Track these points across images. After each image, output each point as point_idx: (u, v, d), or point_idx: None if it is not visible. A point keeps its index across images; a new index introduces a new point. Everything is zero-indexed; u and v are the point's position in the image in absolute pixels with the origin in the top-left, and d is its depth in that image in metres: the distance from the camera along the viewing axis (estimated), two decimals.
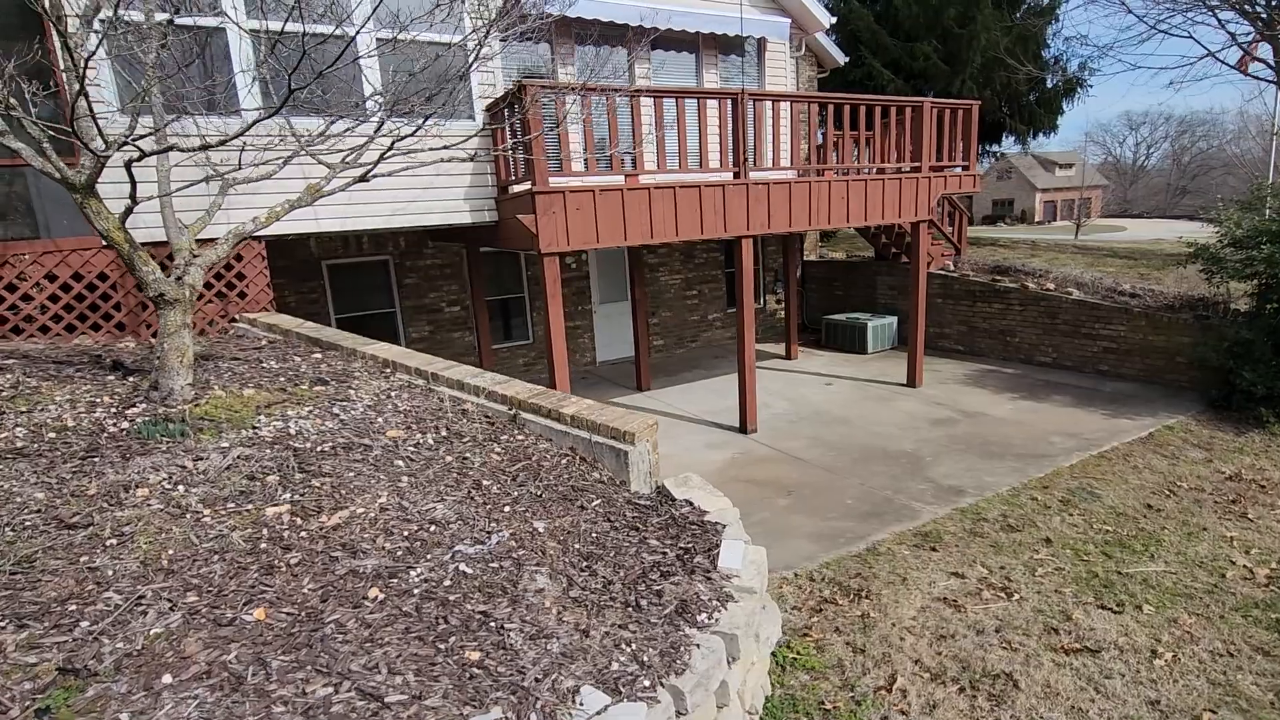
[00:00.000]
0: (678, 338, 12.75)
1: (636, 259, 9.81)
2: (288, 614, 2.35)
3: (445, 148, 5.17)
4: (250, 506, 2.97)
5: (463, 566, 2.77)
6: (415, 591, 2.56)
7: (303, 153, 4.57)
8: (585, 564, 2.93)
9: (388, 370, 4.96)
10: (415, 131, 5.01)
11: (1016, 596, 4.38)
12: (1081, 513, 5.51)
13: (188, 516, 2.84)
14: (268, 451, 3.48)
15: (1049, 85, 15.07)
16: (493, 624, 2.44)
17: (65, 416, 3.50)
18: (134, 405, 3.75)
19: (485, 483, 3.56)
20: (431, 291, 10.25)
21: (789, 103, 7.61)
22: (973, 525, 5.36)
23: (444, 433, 4.07)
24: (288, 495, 3.11)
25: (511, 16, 7.60)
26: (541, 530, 3.16)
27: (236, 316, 6.07)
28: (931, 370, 10.17)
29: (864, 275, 12.71)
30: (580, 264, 11.47)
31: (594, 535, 3.18)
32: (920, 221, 8.82)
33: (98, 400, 3.74)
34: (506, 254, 10.62)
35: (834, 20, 11.08)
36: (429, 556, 2.81)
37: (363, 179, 4.34)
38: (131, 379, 4.14)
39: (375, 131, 4.48)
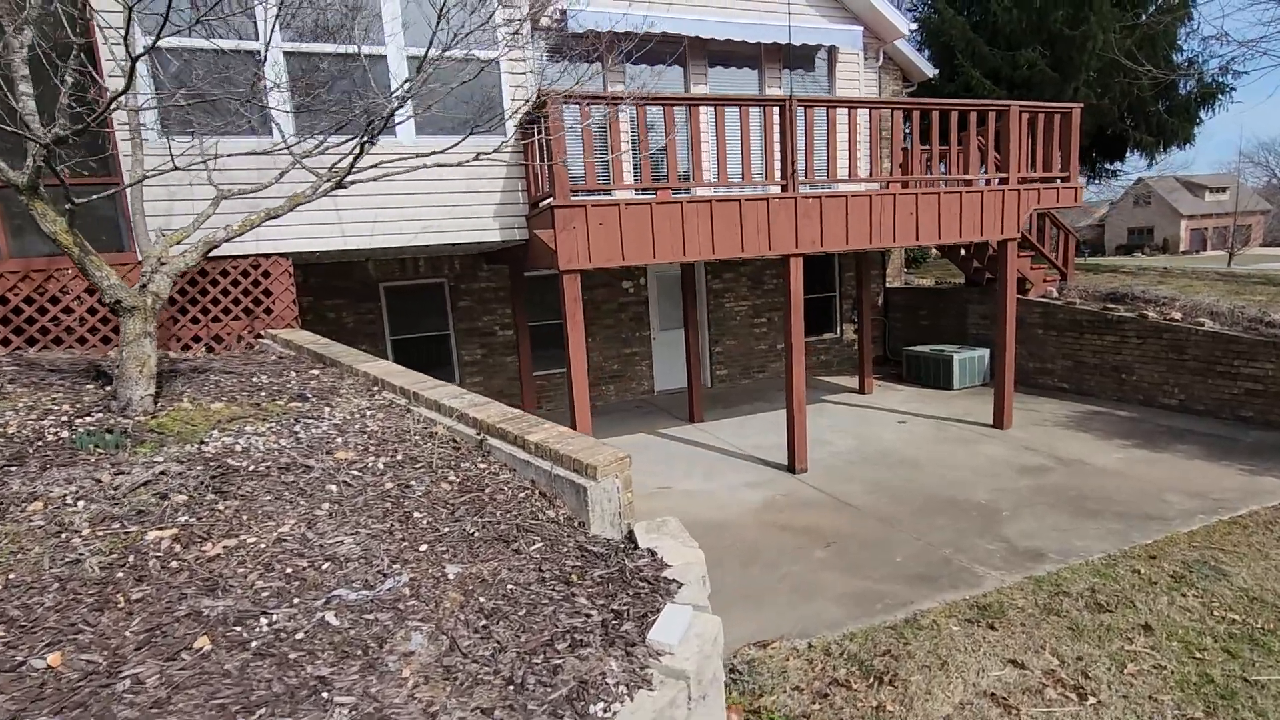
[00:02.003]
0: (743, 367, 12.02)
1: (690, 283, 9.29)
2: (88, 661, 1.99)
3: (458, 164, 4.95)
4: (136, 529, 2.70)
5: (330, 616, 2.33)
6: (254, 645, 2.14)
7: (300, 165, 4.46)
8: (484, 623, 2.42)
9: (375, 388, 4.71)
10: (448, 149, 4.85)
11: (1094, 700, 3.40)
12: (1200, 594, 4.35)
13: (61, 536, 2.59)
14: (196, 469, 3.24)
15: (1181, 91, 13.27)
16: (323, 695, 1.97)
17: (13, 423, 3.43)
18: (89, 415, 3.65)
19: (417, 515, 3.14)
20: (485, 315, 10.19)
21: (847, 109, 6.92)
22: (1048, 599, 4.36)
23: (399, 457, 3.70)
24: (185, 518, 2.82)
25: (552, 35, 7.43)
26: (451, 577, 2.68)
27: (261, 333, 6.10)
28: (1027, 410, 8.89)
29: (953, 303, 11.50)
30: (639, 288, 11.09)
31: (512, 587, 2.66)
32: (1007, 240, 7.75)
33: (55, 408, 3.68)
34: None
35: (914, 27, 10.24)
36: (298, 600, 2.40)
37: (339, 185, 4.14)
38: (107, 388, 4.09)
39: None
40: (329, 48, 5.85)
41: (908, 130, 11.26)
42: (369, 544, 2.84)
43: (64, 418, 3.58)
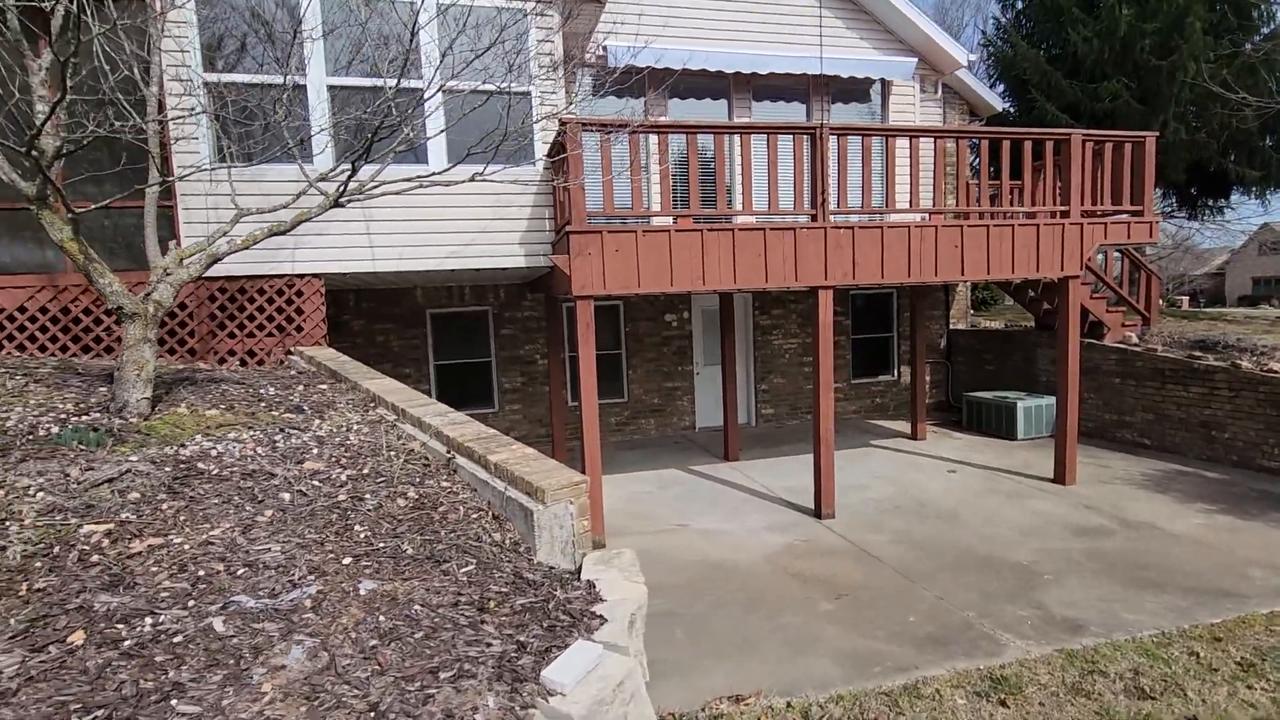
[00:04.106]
0: (791, 407, 11.57)
1: (729, 318, 9.07)
2: None
3: (487, 191, 5.04)
4: (76, 521, 2.76)
5: (217, 623, 2.27)
6: (126, 644, 2.10)
7: (312, 189, 4.66)
8: (374, 643, 2.29)
9: (370, 404, 4.76)
10: (475, 176, 4.98)
11: None
12: (1271, 688, 3.69)
13: (3, 524, 2.67)
14: (164, 470, 3.32)
15: None
16: (171, 703, 1.89)
17: (14, 417, 3.65)
18: (88, 414, 3.84)
19: (358, 529, 3.08)
20: (527, 343, 10.30)
21: (883, 137, 6.63)
22: (1079, 678, 3.80)
23: (365, 470, 3.68)
24: (127, 515, 2.87)
25: (595, 70, 7.58)
26: (362, 593, 2.58)
27: (291, 349, 6.35)
28: (1097, 465, 8.05)
29: (1020, 347, 10.69)
30: (682, 322, 10.95)
31: (419, 609, 2.52)
32: (1069, 277, 7.14)
33: (60, 406, 3.90)
34: (604, 307, 10.44)
35: (974, 58, 9.80)
36: (194, 603, 2.35)
37: (335, 204, 4.27)
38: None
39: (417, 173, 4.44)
40: (368, 82, 6.16)
41: (974, 161, 10.76)
42: (295, 553, 2.79)
43: (63, 415, 3.78)
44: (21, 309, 5.73)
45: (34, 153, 3.07)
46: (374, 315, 9.69)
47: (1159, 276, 10.05)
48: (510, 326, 10.21)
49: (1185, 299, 35.29)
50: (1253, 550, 5.47)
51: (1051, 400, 9.68)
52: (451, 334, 10.08)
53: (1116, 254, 9.98)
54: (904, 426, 10.72)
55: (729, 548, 6.02)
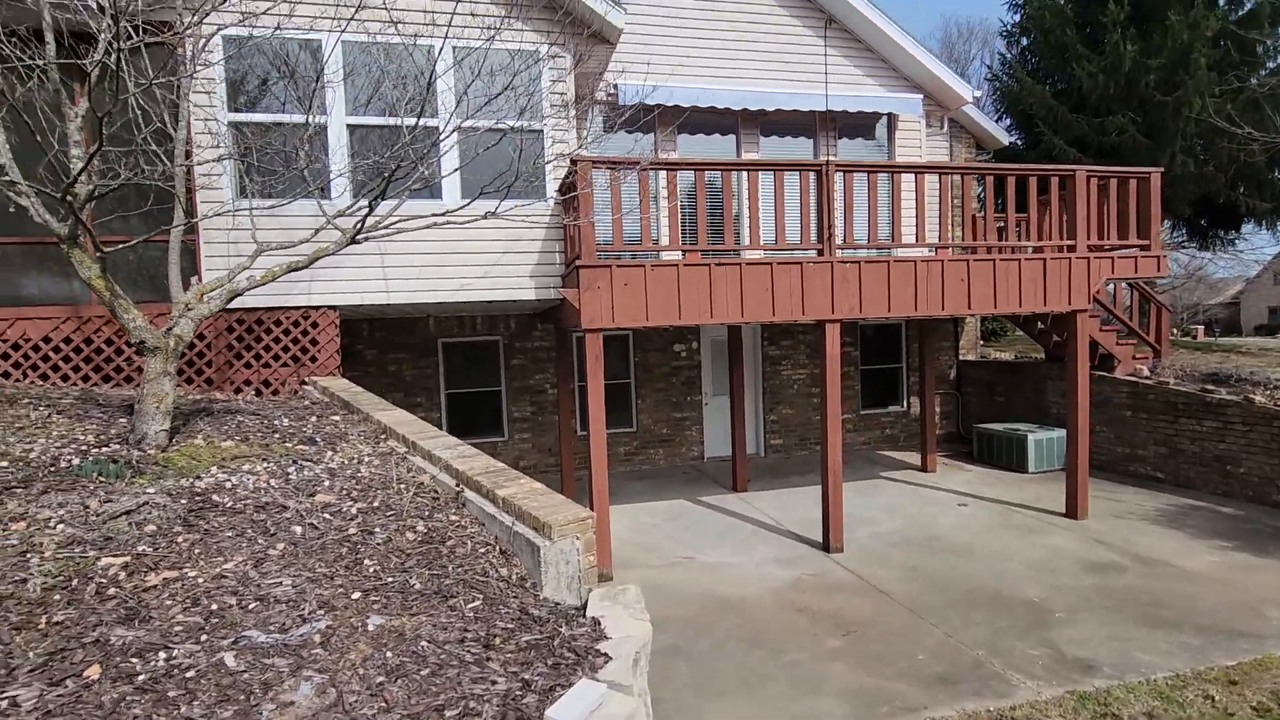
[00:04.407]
0: (800, 438, 11.55)
1: (737, 348, 9.12)
2: None
3: (499, 225, 5.18)
4: (94, 554, 2.83)
5: (229, 657, 2.32)
6: (140, 678, 2.15)
7: (329, 224, 4.80)
8: (380, 680, 2.33)
9: (382, 436, 4.83)
10: (489, 214, 5.12)
11: None
12: None
13: (25, 555, 2.75)
14: (180, 502, 3.39)
15: None
16: None
17: (36, 449, 3.75)
18: (108, 445, 3.94)
19: (367, 563, 3.13)
20: (537, 373, 10.39)
21: (889, 174, 6.74)
22: None
23: (376, 503, 3.74)
24: (144, 547, 2.93)
25: (605, 108, 7.79)
26: (370, 628, 2.62)
27: (306, 380, 6.47)
28: (1110, 499, 7.97)
29: (1031, 379, 10.66)
30: (691, 352, 11.02)
31: (426, 645, 2.56)
32: (1076, 311, 7.16)
33: (82, 438, 4.00)
34: (614, 336, 10.54)
35: (979, 94, 9.96)
36: (207, 638, 2.41)
37: (352, 241, 4.41)
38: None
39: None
40: (386, 121, 6.36)
41: (980, 193, 10.85)
42: (306, 587, 2.84)
43: (84, 447, 3.88)
44: (46, 339, 5.89)
45: (68, 198, 3.22)
46: (387, 345, 9.83)
47: (1169, 309, 10.03)
48: (520, 356, 10.32)
49: (1200, 328, 35.01)
50: (1269, 589, 5.39)
51: (1063, 433, 9.62)
52: (463, 363, 10.20)
53: (1126, 286, 9.99)
54: (914, 458, 10.67)
55: (736, 582, 6.00)
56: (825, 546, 6.69)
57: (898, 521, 7.55)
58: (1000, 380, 11.33)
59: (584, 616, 3.00)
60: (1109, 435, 9.26)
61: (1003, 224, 8.61)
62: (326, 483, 3.95)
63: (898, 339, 11.97)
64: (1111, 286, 9.78)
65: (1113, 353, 9.29)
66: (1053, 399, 10.20)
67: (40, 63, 3.13)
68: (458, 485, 3.89)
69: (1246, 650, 4.47)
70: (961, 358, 12.25)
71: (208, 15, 4.06)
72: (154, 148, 4.00)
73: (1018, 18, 14.43)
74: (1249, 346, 13.45)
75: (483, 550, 3.40)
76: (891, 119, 9.78)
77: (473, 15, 5.44)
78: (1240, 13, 12.62)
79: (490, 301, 7.02)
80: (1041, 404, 10.42)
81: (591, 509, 6.19)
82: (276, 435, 4.65)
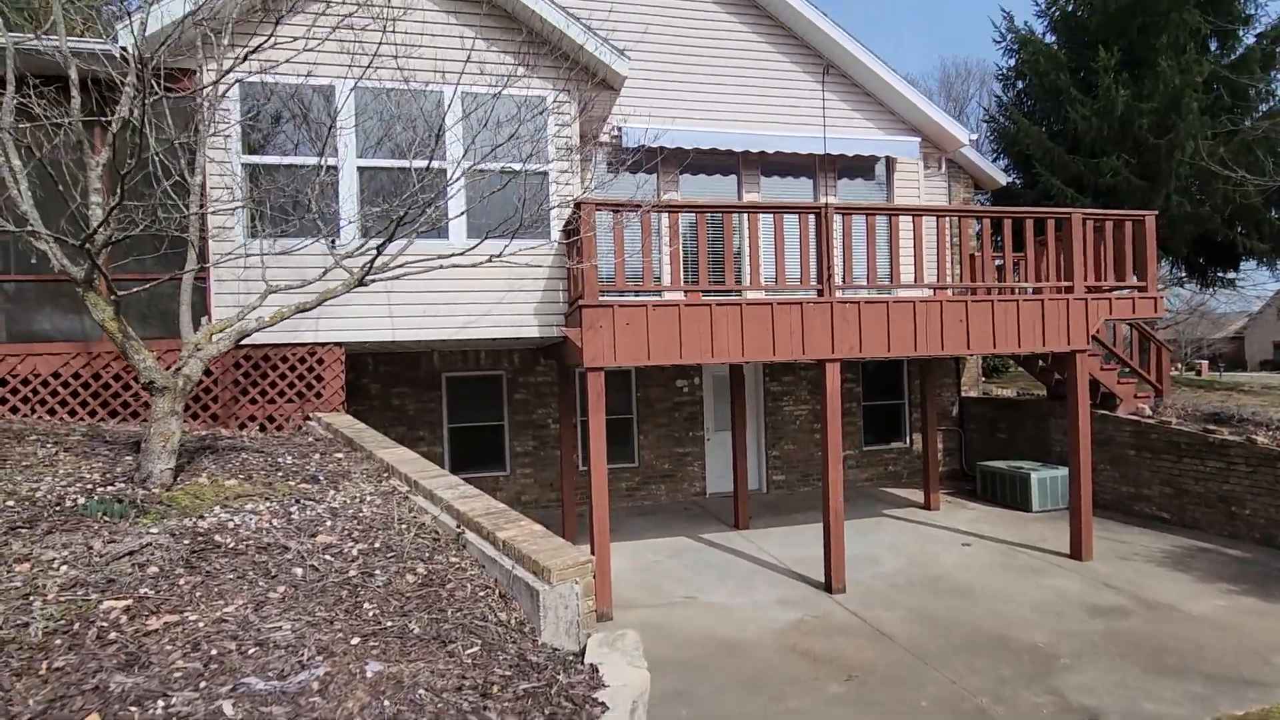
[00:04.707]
0: (802, 473, 11.51)
1: (739, 384, 9.17)
2: None
3: (504, 264, 5.29)
4: (97, 596, 2.85)
5: (227, 706, 2.32)
6: None
7: (334, 263, 4.91)
8: None
9: (384, 475, 4.86)
10: (494, 257, 5.24)
11: None
12: None
13: (28, 598, 2.77)
14: (183, 542, 3.42)
15: None
16: None
17: (43, 487, 3.79)
18: (113, 484, 3.97)
19: (367, 606, 3.14)
20: (540, 408, 10.43)
21: (888, 216, 6.86)
22: None
23: (377, 544, 3.75)
24: (146, 590, 2.95)
25: (609, 149, 7.98)
26: (369, 675, 2.62)
27: (310, 415, 6.52)
28: (1114, 540, 7.90)
29: (1033, 417, 10.65)
30: (693, 388, 11.06)
31: (423, 693, 2.56)
32: (1075, 351, 7.21)
33: (87, 476, 4.04)
34: (616, 372, 10.59)
35: (974, 137, 10.16)
36: (205, 685, 2.41)
37: (360, 283, 4.50)
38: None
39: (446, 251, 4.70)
40: (396, 163, 6.53)
41: (978, 230, 10.98)
42: (305, 632, 2.85)
43: (89, 486, 3.92)
44: (56, 374, 5.97)
45: (86, 246, 3.32)
46: (391, 379, 9.90)
47: (1169, 348, 10.07)
48: (524, 391, 10.36)
49: (1205, 363, 34.93)
50: (1277, 635, 5.32)
51: (1066, 471, 9.58)
52: (466, 397, 10.24)
53: (1126, 325, 10.05)
54: (917, 495, 10.61)
55: (737, 623, 5.95)
56: (827, 587, 6.64)
57: (900, 561, 7.49)
58: (1003, 417, 11.32)
59: (582, 663, 3.00)
60: (1113, 475, 9.22)
61: (1000, 262, 8.73)
62: (328, 523, 3.97)
63: (899, 375, 12.00)
64: (1111, 325, 9.84)
65: (1114, 391, 9.30)
66: (1055, 437, 10.18)
67: (66, 120, 3.26)
68: (459, 526, 3.91)
69: (1254, 700, 4.40)
70: (964, 394, 12.26)
71: (228, 73, 4.22)
72: (172, 199, 4.13)
73: (1013, 62, 14.79)
74: (1251, 384, 13.44)
75: (482, 594, 3.41)
76: (890, 161, 9.97)
77: (481, 71, 5.62)
78: (1231, 57, 12.93)
79: (495, 339, 7.10)
80: (1044, 442, 10.40)
81: (592, 548, 6.17)
82: (280, 473, 4.68)
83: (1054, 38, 14.40)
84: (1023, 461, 10.27)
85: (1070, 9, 14.03)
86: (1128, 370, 9.82)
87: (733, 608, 6.30)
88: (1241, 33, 12.97)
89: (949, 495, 10.64)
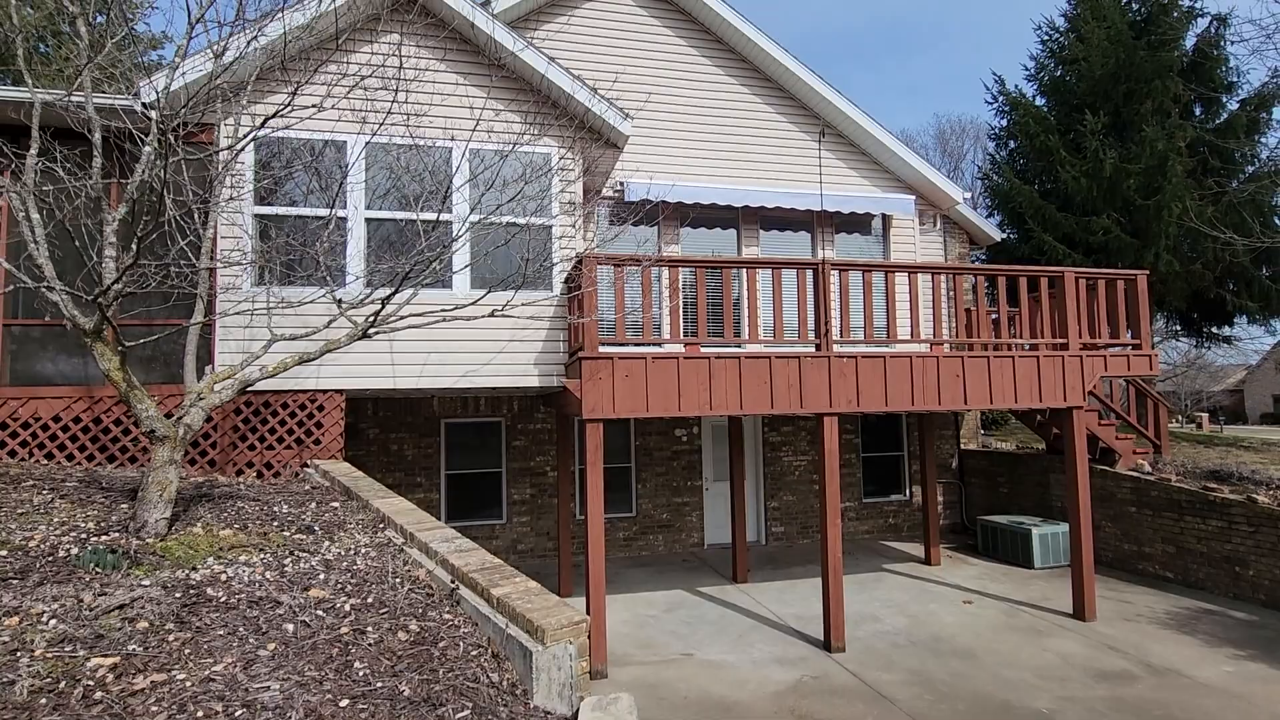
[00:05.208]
0: (802, 525, 11.39)
1: (737, 435, 9.17)
2: None
3: (506, 315, 5.37)
4: (85, 653, 2.81)
5: None
6: None
7: (339, 313, 4.99)
8: None
9: (380, 525, 4.83)
10: (498, 310, 5.33)
11: None
12: None
13: (16, 654, 2.74)
14: (174, 595, 3.39)
15: None
16: None
17: (36, 537, 3.77)
18: (107, 533, 3.96)
19: (358, 665, 3.09)
20: (538, 455, 10.39)
21: (884, 273, 6.99)
22: None
23: (370, 599, 3.72)
24: (134, 646, 2.92)
25: (612, 203, 8.16)
26: None
27: (308, 462, 6.51)
28: (1118, 600, 7.78)
29: (1033, 471, 10.61)
30: (692, 437, 11.04)
31: None
32: (1072, 408, 7.24)
33: (82, 524, 4.02)
34: (616, 420, 10.58)
35: (967, 195, 10.42)
36: None
37: (364, 335, 4.57)
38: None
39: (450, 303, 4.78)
40: (403, 215, 6.68)
41: (972, 286, 11.14)
42: (294, 693, 2.80)
43: (83, 535, 3.90)
44: (56, 418, 5.99)
45: (99, 301, 3.40)
46: (390, 423, 9.90)
47: (1166, 404, 10.10)
48: (522, 438, 10.35)
49: (1205, 416, 34.87)
50: None
51: (1067, 527, 9.49)
52: (464, 443, 10.22)
53: (1123, 381, 10.11)
54: (917, 549, 10.48)
55: (733, 683, 5.81)
56: (826, 645, 6.51)
57: (901, 620, 7.36)
58: (1002, 471, 11.27)
59: None
60: (1115, 532, 9.14)
61: (996, 316, 8.85)
62: (321, 575, 3.94)
63: (898, 427, 12.00)
64: (1108, 380, 9.90)
65: (1113, 447, 9.29)
66: (1056, 492, 10.13)
67: (87, 181, 3.38)
68: (453, 582, 3.88)
69: None
70: (963, 447, 12.23)
71: (246, 138, 4.38)
72: (187, 258, 4.24)
73: (1005, 122, 15.25)
74: (1250, 440, 13.42)
75: (475, 653, 3.36)
76: (886, 217, 10.21)
77: (490, 134, 5.82)
78: (1216, 122, 13.34)
79: (495, 388, 7.14)
80: (1045, 497, 10.33)
81: (588, 602, 6.08)
82: (275, 523, 4.66)
83: (1044, 100, 14.88)
84: (1024, 517, 10.18)
85: (1059, 74, 14.55)
86: (1126, 425, 9.82)
87: (730, 666, 6.17)
88: (1225, 99, 13.42)
89: (950, 550, 10.52)
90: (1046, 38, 14.93)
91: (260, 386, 6.31)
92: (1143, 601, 7.78)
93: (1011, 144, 15.17)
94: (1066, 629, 6.96)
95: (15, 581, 3.31)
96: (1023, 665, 6.06)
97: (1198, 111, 13.66)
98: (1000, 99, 14.93)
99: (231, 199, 5.36)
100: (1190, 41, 13.36)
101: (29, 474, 5.27)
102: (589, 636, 3.37)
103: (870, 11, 59.93)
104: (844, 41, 59.97)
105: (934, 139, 38.67)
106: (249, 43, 4.49)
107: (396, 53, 5.13)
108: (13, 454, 5.85)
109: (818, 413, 6.60)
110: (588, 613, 5.94)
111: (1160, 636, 6.69)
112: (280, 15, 4.98)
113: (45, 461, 5.90)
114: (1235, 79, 13.27)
